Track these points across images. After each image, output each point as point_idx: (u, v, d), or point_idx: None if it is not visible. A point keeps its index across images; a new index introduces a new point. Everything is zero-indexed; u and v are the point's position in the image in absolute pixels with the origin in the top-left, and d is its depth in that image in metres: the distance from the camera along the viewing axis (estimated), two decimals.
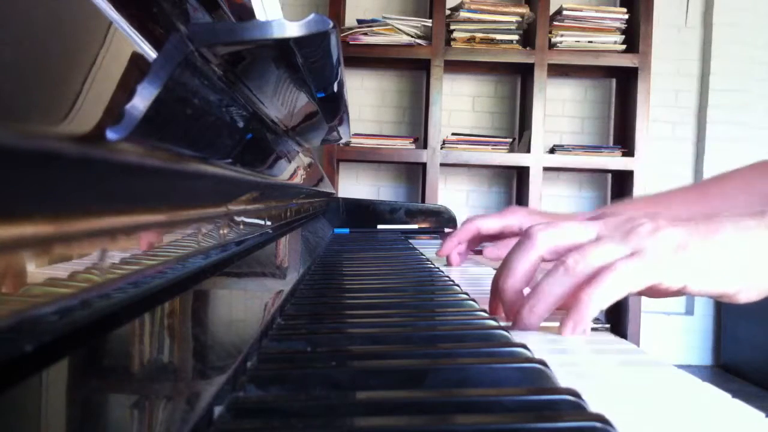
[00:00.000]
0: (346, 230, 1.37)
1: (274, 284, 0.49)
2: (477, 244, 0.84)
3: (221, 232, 0.33)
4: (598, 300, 0.42)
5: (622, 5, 2.75)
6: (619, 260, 0.42)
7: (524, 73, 2.79)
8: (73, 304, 0.16)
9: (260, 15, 0.48)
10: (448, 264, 0.84)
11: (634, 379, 0.33)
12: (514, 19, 2.60)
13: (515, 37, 2.61)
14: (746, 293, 0.43)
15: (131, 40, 0.24)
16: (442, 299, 0.53)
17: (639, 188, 2.60)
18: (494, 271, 0.75)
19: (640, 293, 0.47)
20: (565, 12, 2.59)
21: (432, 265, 0.75)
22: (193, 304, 0.28)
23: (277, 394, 0.28)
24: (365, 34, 2.58)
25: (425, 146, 2.64)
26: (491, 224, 0.80)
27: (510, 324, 0.46)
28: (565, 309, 0.46)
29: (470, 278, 0.73)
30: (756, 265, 0.42)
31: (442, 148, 2.62)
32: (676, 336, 2.90)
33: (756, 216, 0.44)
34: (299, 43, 0.37)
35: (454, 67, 2.72)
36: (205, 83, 0.35)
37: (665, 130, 2.92)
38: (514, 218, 0.80)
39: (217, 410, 0.25)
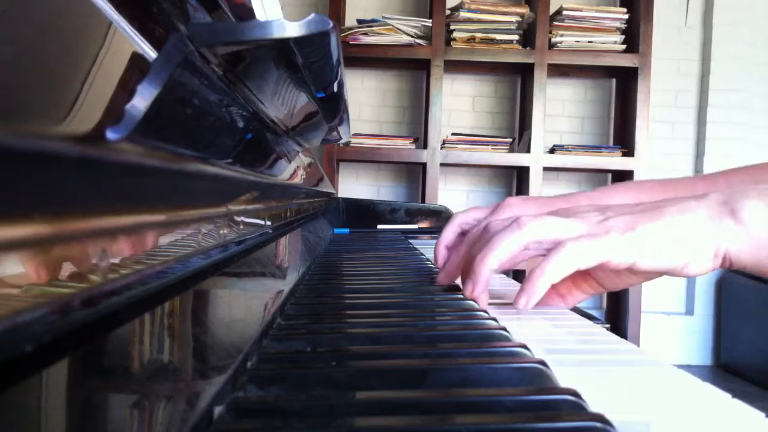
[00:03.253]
0: (346, 230, 1.37)
1: (274, 284, 0.49)
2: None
3: (221, 232, 0.33)
4: (549, 274, 0.46)
5: (622, 5, 2.75)
6: (568, 239, 0.47)
7: (524, 73, 2.79)
8: (73, 304, 0.16)
9: (260, 15, 0.48)
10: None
11: (633, 379, 0.33)
12: (514, 19, 2.60)
13: (515, 37, 2.61)
14: (694, 267, 0.47)
15: (131, 40, 0.24)
16: (442, 299, 0.53)
17: None
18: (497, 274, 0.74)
19: (607, 280, 0.54)
20: (565, 12, 2.59)
21: (432, 265, 0.75)
22: (193, 304, 0.28)
23: (277, 394, 0.28)
24: (365, 34, 2.58)
25: (425, 146, 2.64)
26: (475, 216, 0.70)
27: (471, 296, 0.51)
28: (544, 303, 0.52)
29: None
30: (698, 241, 0.46)
31: (442, 148, 2.62)
32: (676, 336, 2.90)
33: (698, 198, 0.48)
34: (299, 43, 0.37)
35: (454, 67, 2.72)
36: (205, 83, 0.35)
37: (665, 130, 2.92)
38: (509, 212, 0.67)
39: (217, 410, 0.25)
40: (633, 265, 0.46)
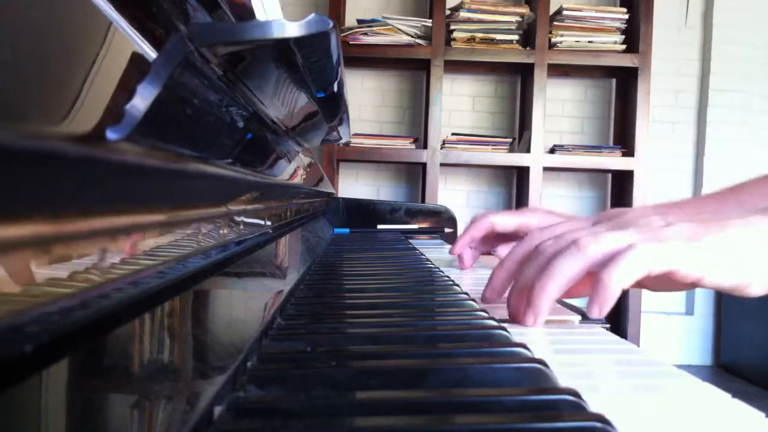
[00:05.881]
0: (346, 230, 1.37)
1: (274, 284, 0.49)
2: (490, 243, 0.78)
3: (221, 232, 0.33)
4: (620, 279, 0.41)
5: (622, 5, 2.75)
6: (639, 241, 0.42)
7: (524, 73, 2.79)
8: (73, 304, 0.16)
9: (260, 15, 0.48)
10: (461, 265, 0.79)
11: (634, 379, 0.33)
12: (514, 19, 2.60)
13: (515, 37, 2.61)
14: (757, 287, 0.44)
15: (131, 40, 0.24)
16: (442, 299, 0.53)
17: (639, 188, 2.60)
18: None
19: (656, 285, 0.48)
20: (565, 12, 2.59)
21: (432, 265, 0.75)
22: (193, 304, 0.28)
23: (277, 394, 0.28)
24: (365, 34, 2.58)
25: (425, 146, 2.64)
26: (507, 222, 0.73)
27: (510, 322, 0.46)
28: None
29: (472, 278, 0.73)
30: (763, 259, 0.43)
31: (442, 148, 2.62)
32: (676, 336, 2.90)
33: (761, 212, 0.45)
34: (299, 43, 0.37)
35: (454, 67, 2.72)
36: (205, 83, 0.35)
37: (665, 130, 2.92)
38: (533, 217, 0.73)
39: (217, 410, 0.25)
40: (698, 280, 0.43)
